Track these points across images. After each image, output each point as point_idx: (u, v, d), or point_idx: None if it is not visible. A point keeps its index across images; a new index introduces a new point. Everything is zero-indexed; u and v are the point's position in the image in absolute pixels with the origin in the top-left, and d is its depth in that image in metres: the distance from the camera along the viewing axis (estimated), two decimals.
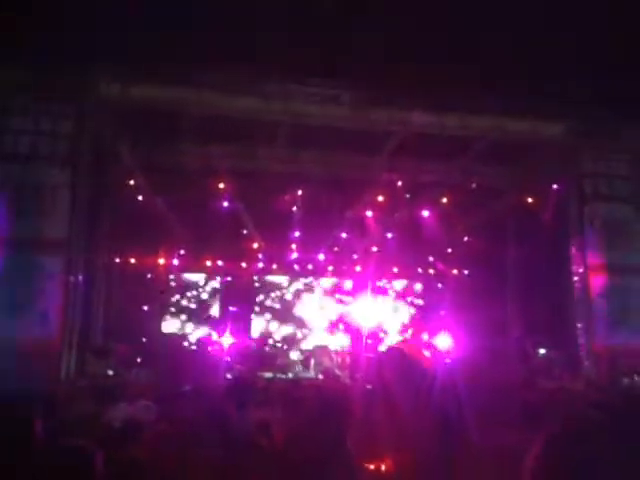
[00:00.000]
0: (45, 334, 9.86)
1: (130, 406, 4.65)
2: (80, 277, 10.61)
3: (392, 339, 17.60)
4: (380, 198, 13.49)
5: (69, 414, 4.12)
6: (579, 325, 11.90)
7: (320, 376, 13.35)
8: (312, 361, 14.86)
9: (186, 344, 16.41)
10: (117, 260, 13.96)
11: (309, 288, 17.95)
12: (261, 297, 17.66)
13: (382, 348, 16.67)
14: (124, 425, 3.54)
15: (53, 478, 2.23)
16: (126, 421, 3.62)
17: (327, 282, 18.02)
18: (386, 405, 1.56)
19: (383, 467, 1.47)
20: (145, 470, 2.61)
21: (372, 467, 1.49)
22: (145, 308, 15.48)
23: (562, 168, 12.59)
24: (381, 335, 17.73)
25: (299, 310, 17.73)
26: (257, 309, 17.51)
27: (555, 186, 12.80)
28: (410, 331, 17.76)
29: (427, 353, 11.31)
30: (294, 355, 15.53)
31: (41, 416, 3.30)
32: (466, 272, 16.71)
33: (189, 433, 3.56)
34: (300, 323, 17.59)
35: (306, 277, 17.76)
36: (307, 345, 16.90)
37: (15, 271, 10.09)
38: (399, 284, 18.43)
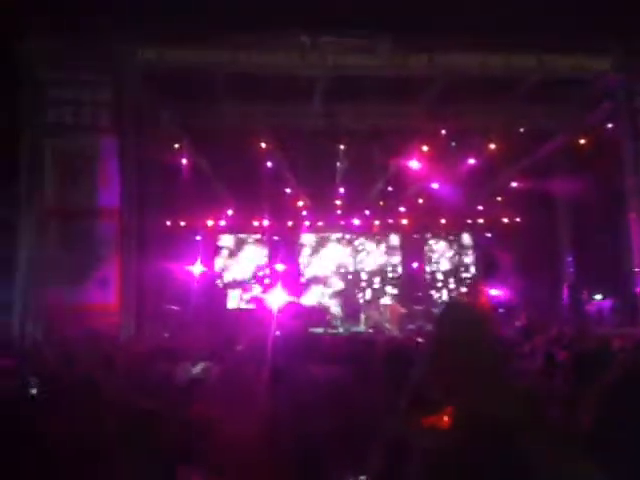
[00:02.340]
0: (104, 299, 10.26)
1: (192, 367, 4.79)
2: (134, 243, 10.91)
3: (444, 292, 17.56)
4: (424, 148, 13.17)
5: (132, 376, 4.27)
6: (636, 270, 11.52)
7: (370, 330, 13.46)
8: (362, 315, 14.98)
9: (239, 303, 16.79)
10: (168, 224, 14.23)
11: (355, 243, 17.94)
12: (308, 255, 17.76)
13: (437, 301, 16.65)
14: (188, 385, 3.65)
15: (123, 439, 2.32)
16: (190, 381, 3.73)
17: (373, 237, 17.98)
18: (444, 357, 1.54)
19: (442, 421, 1.45)
20: (210, 429, 2.69)
21: (430, 421, 1.48)
22: (197, 270, 15.82)
23: (613, 105, 11.99)
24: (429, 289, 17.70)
25: (345, 266, 17.79)
26: (304, 267, 17.64)
27: (609, 125, 12.22)
28: (466, 284, 17.61)
29: (485, 305, 11.21)
30: (342, 310, 15.65)
31: (106, 379, 3.45)
32: (517, 220, 16.32)
33: (250, 391, 3.66)
34: (347, 279, 17.66)
35: (352, 233, 17.74)
36: (356, 300, 17.01)
37: (72, 240, 10.46)
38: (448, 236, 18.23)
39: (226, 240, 17.52)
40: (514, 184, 14.98)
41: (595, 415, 1.29)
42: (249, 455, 2.48)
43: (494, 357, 1.52)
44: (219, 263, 17.30)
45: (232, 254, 17.49)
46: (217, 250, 17.30)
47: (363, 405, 2.87)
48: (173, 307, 11.79)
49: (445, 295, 17.53)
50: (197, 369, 4.67)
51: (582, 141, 12.80)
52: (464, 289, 17.56)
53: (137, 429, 2.41)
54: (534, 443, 1.29)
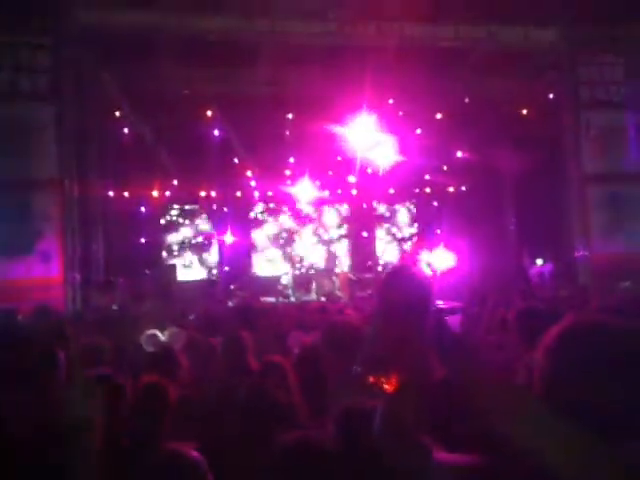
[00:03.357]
0: (47, 273, 9.94)
1: (159, 333, 4.72)
2: (75, 214, 10.56)
3: (392, 260, 17.84)
4: (372, 117, 13.16)
5: (85, 345, 4.18)
6: (576, 235, 12.01)
7: (322, 299, 13.58)
8: (313, 284, 15.08)
9: (187, 274, 16.61)
10: (110, 194, 13.80)
11: (304, 214, 17.96)
12: (258, 226, 17.68)
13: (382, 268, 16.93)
14: (156, 352, 3.58)
15: (82, 405, 2.26)
16: (158, 347, 3.66)
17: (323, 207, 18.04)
18: (389, 323, 1.56)
19: (387, 385, 1.49)
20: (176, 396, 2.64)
21: (376, 384, 1.52)
22: (142, 241, 15.50)
23: (556, 76, 12.31)
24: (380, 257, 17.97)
25: (296, 236, 17.82)
26: (254, 237, 17.57)
27: (550, 95, 12.55)
28: (410, 250, 17.96)
29: (427, 271, 11.40)
30: (293, 279, 15.72)
31: (60, 348, 3.35)
32: (463, 188, 16.69)
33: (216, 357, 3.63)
34: (298, 248, 17.73)
35: (301, 202, 17.73)
36: (306, 269, 17.12)
37: (11, 213, 10.04)
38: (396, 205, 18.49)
39: (172, 211, 17.19)
40: (460, 154, 15.24)
41: (544, 371, 1.32)
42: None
43: (434, 321, 1.55)
44: (166, 234, 17.00)
45: (179, 225, 17.20)
46: (163, 221, 16.97)
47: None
48: (120, 279, 11.53)
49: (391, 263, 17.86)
50: (166, 334, 4.61)
51: (525, 111, 13.10)
52: (407, 256, 17.93)
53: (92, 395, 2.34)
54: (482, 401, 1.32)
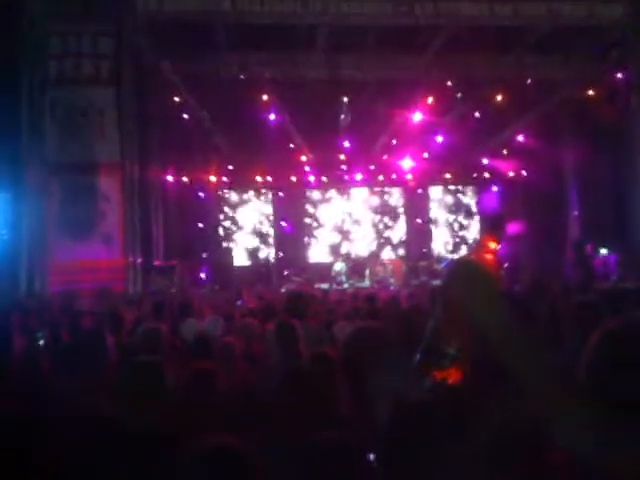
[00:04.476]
0: (109, 255, 10.29)
1: (199, 321, 4.84)
2: (136, 198, 10.86)
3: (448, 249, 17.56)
4: (429, 99, 12.90)
5: (139, 331, 4.28)
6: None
7: (375, 285, 13.53)
8: (366, 271, 15.03)
9: (244, 259, 16.86)
10: (170, 178, 14.14)
11: (358, 199, 17.87)
12: (311, 210, 17.72)
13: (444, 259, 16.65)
14: (195, 339, 3.67)
15: (127, 392, 2.33)
16: (196, 335, 3.75)
17: (376, 192, 17.89)
18: (453, 314, 1.56)
19: (449, 379, 1.51)
20: (215, 382, 2.69)
21: (442, 375, 1.54)
22: (200, 225, 15.82)
23: (624, 55, 11.70)
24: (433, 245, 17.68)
25: (348, 221, 17.76)
26: (308, 222, 17.62)
27: (619, 75, 11.93)
28: (473, 241, 17.58)
29: (492, 262, 11.16)
30: (347, 266, 15.72)
31: (112, 332, 3.46)
32: (523, 173, 16.14)
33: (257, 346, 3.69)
34: (350, 234, 17.67)
35: (355, 188, 17.65)
36: (360, 255, 17.05)
37: (74, 195, 10.40)
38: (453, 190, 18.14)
39: (229, 195, 17.44)
40: (520, 138, 14.75)
41: (592, 363, 1.28)
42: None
43: (503, 312, 1.52)
44: (223, 218, 17.28)
45: (235, 210, 17.44)
46: (220, 205, 17.24)
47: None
48: (177, 263, 11.82)
49: (448, 251, 17.57)
50: (206, 322, 4.71)
51: (590, 92, 12.51)
52: (469, 245, 17.58)
53: (141, 379, 2.41)
54: (540, 395, 1.31)
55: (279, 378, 2.37)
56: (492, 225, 15.84)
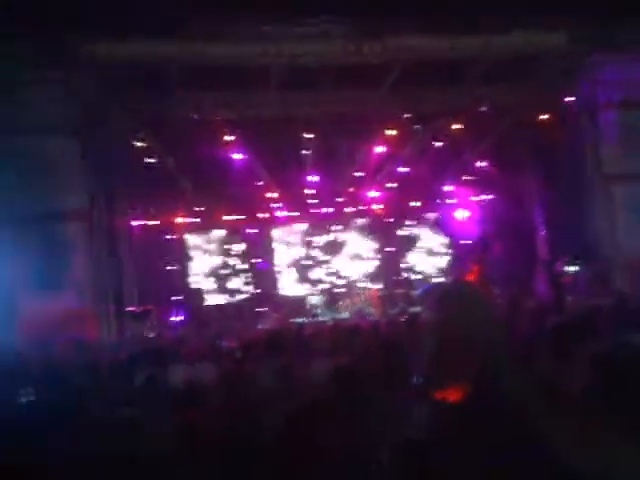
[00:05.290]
0: (80, 304, 10.08)
1: (189, 367, 4.78)
2: (106, 244, 10.73)
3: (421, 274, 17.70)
4: (389, 132, 13.22)
5: (121, 381, 4.22)
6: (603, 239, 11.84)
7: (353, 317, 13.55)
8: (343, 302, 15.05)
9: (219, 299, 16.69)
10: (136, 224, 14.03)
11: (328, 232, 17.98)
12: (283, 246, 17.74)
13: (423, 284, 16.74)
14: (186, 388, 3.61)
15: (109, 447, 2.31)
16: (188, 383, 3.68)
17: (346, 224, 18.04)
18: (448, 337, 1.62)
19: (451, 397, 1.55)
20: (211, 435, 2.68)
21: (439, 397, 1.58)
22: (171, 268, 15.68)
23: (571, 79, 12.23)
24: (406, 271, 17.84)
25: (322, 254, 17.82)
26: (281, 257, 17.62)
27: (567, 98, 12.44)
28: (450, 263, 17.75)
29: (482, 283, 11.31)
30: (322, 298, 15.70)
31: (92, 386, 3.41)
32: (487, 197, 16.54)
33: (253, 392, 3.65)
34: (325, 266, 17.71)
35: (324, 221, 17.76)
36: (335, 287, 17.06)
37: (41, 246, 10.20)
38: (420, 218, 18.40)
39: (197, 236, 17.35)
40: (481, 164, 15.17)
41: (587, 383, 1.35)
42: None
43: (500, 332, 1.60)
44: (192, 260, 17.15)
45: (204, 250, 17.34)
46: (189, 247, 17.14)
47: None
48: (151, 307, 11.67)
49: (422, 277, 17.74)
50: (197, 368, 4.66)
51: (544, 116, 12.99)
52: (443, 269, 17.77)
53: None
54: (539, 412, 1.36)
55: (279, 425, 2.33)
56: (473, 248, 16.11)
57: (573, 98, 12.37)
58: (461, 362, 1.53)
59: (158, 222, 15.08)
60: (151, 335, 9.32)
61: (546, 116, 12.85)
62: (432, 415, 1.59)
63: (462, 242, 17.03)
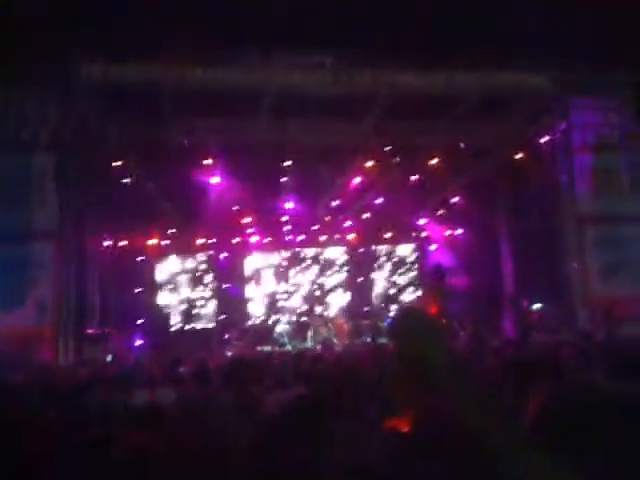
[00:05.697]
0: (40, 323, 9.82)
1: (149, 392, 4.60)
2: (72, 264, 10.52)
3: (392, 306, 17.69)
4: (369, 163, 13.33)
5: (80, 403, 4.06)
6: (573, 277, 11.95)
7: (318, 346, 13.40)
8: (309, 332, 14.91)
9: (183, 323, 16.44)
10: (107, 244, 13.80)
11: (302, 259, 17.92)
12: (255, 272, 17.62)
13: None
14: (145, 412, 3.45)
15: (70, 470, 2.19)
16: (147, 408, 3.53)
17: (320, 251, 18.02)
18: (404, 367, 1.59)
19: (402, 426, 1.53)
20: (167, 457, 2.54)
21: (392, 424, 1.57)
22: (138, 290, 15.41)
23: (548, 120, 12.50)
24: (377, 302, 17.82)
25: (293, 282, 17.73)
26: (251, 284, 17.48)
27: (543, 139, 12.68)
28: (422, 296, 17.78)
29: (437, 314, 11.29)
30: (289, 327, 15.55)
31: (51, 407, 3.25)
32: (459, 232, 16.71)
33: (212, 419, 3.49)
34: (293, 295, 17.60)
35: (298, 248, 17.72)
36: (303, 316, 16.94)
37: (6, 262, 9.99)
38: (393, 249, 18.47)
39: (168, 259, 17.14)
40: (455, 199, 15.34)
41: (539, 425, 1.31)
42: None
43: (452, 363, 1.55)
44: (160, 283, 16.90)
45: (173, 274, 17.12)
46: (158, 270, 16.90)
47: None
48: (113, 330, 11.39)
49: (393, 308, 17.71)
50: (157, 394, 4.48)
51: (519, 155, 13.21)
52: (412, 300, 17.80)
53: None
54: (500, 446, 1.32)
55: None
56: (434, 279, 16.13)
57: (548, 138, 12.59)
58: (409, 390, 1.51)
59: (128, 243, 14.83)
60: (109, 358, 9.06)
61: (521, 155, 13.06)
62: (384, 442, 1.57)
63: (428, 274, 17.14)
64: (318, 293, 17.74)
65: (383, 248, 18.39)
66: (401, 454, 1.50)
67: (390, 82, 11.10)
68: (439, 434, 1.46)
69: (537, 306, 13.33)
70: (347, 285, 17.93)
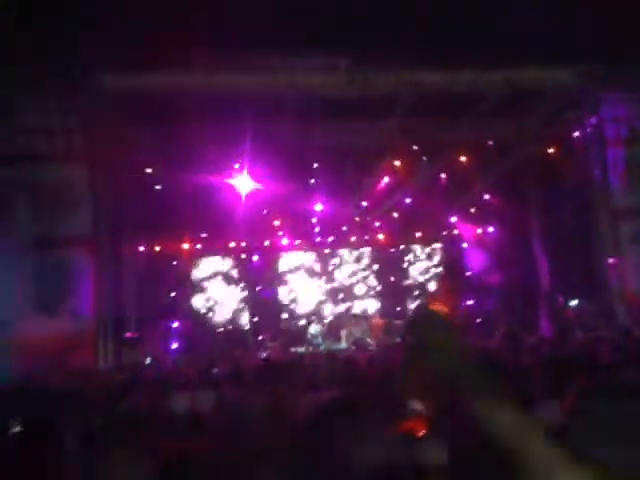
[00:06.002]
0: (79, 330, 10.05)
1: (189, 397, 4.70)
2: (109, 270, 10.75)
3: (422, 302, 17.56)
4: (397, 163, 13.31)
5: (120, 410, 4.16)
6: (610, 273, 11.74)
7: (352, 347, 13.42)
8: (343, 332, 14.92)
9: (217, 325, 16.63)
10: (142, 249, 14.07)
11: (333, 260, 17.93)
12: (286, 273, 17.70)
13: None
14: (185, 417, 3.53)
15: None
16: (186, 413, 3.61)
17: (350, 253, 18.01)
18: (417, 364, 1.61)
19: (418, 427, 1.55)
20: (206, 464, 2.61)
21: (407, 427, 1.58)
22: (173, 294, 15.66)
23: (579, 114, 12.29)
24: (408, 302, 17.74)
25: (325, 283, 17.75)
26: (284, 285, 17.57)
27: (576, 133, 12.48)
28: (439, 293, 17.67)
29: (453, 312, 11.25)
30: (323, 328, 15.56)
31: (87, 414, 3.35)
32: (491, 230, 16.51)
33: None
34: (325, 295, 17.64)
35: (329, 249, 17.74)
36: (336, 316, 16.95)
37: (45, 271, 10.25)
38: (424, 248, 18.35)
39: (202, 263, 17.35)
40: (487, 196, 15.18)
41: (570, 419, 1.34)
42: None
43: (464, 361, 1.56)
44: (195, 286, 17.12)
45: (207, 277, 17.32)
46: (192, 274, 17.12)
47: None
48: (149, 333, 11.62)
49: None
50: (196, 397, 4.56)
51: (550, 150, 13.02)
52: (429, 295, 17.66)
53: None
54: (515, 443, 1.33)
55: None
56: (449, 277, 16.03)
57: (579, 133, 12.39)
58: (422, 389, 1.54)
59: (162, 248, 15.10)
60: (147, 361, 9.25)
61: (551, 150, 12.87)
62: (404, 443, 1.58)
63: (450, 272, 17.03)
64: (350, 293, 17.73)
65: (414, 247, 18.27)
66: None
67: (413, 82, 11.04)
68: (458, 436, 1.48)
69: (573, 303, 13.12)
70: (379, 285, 17.88)
